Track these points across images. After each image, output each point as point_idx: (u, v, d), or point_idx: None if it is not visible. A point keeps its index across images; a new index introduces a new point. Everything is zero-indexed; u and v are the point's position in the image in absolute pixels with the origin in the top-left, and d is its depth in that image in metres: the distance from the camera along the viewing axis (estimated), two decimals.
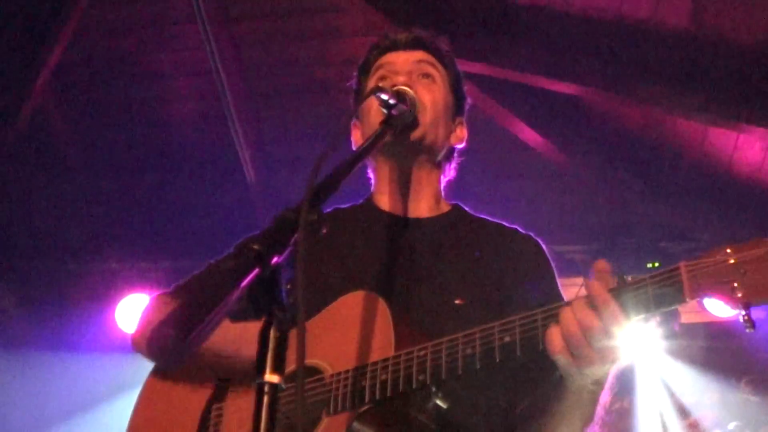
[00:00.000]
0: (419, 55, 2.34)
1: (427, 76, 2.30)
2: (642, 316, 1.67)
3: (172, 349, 1.18)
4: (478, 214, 2.37)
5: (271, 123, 6.55)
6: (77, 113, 6.63)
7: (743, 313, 1.59)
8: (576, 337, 1.68)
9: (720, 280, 1.60)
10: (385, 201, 2.33)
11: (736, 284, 1.59)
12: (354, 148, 2.34)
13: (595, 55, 5.42)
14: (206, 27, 5.65)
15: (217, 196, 6.75)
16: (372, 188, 2.39)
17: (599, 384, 1.83)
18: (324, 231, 1.50)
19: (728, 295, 1.59)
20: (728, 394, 6.49)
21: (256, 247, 1.37)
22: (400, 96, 2.04)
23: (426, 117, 2.20)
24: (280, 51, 6.15)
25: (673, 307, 1.65)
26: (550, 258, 2.28)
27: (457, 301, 2.10)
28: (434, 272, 2.17)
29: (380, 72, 2.31)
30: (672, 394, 6.65)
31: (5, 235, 6.77)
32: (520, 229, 2.32)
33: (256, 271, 1.35)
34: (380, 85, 2.15)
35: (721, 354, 6.47)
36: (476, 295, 2.13)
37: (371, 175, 2.40)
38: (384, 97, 2.00)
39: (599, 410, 1.91)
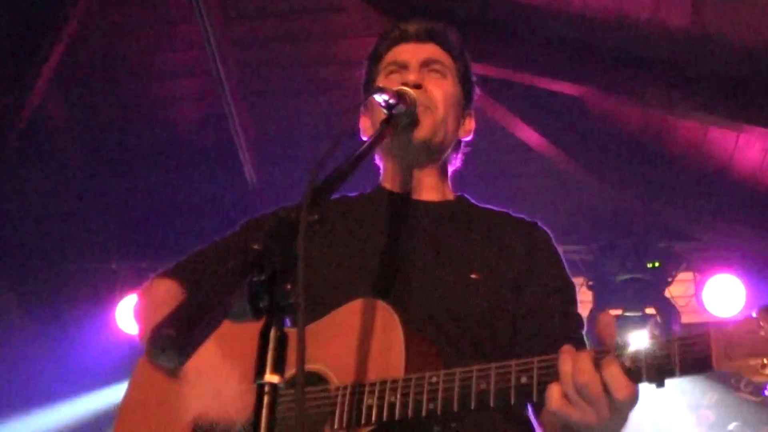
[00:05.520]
0: (430, 48, 2.34)
1: (437, 71, 2.31)
2: (665, 378, 1.60)
3: (171, 349, 1.17)
4: (483, 205, 2.38)
5: (271, 123, 6.55)
6: (77, 113, 6.63)
7: None
8: (572, 392, 1.61)
9: (750, 353, 1.51)
10: (392, 187, 2.34)
11: (766, 360, 1.50)
12: (363, 137, 2.35)
13: (595, 55, 5.41)
14: (206, 27, 5.65)
15: (218, 196, 6.74)
16: (380, 177, 2.40)
17: None
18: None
19: (757, 373, 1.51)
20: (728, 394, 6.48)
21: (256, 247, 1.37)
22: (400, 96, 2.04)
23: (437, 114, 2.21)
24: (280, 51, 6.15)
25: (698, 374, 1.58)
26: (556, 245, 2.27)
27: (473, 276, 2.09)
28: (448, 248, 2.17)
29: (391, 68, 2.31)
30: (671, 395, 6.65)
31: (5, 234, 6.76)
32: (527, 218, 2.32)
33: (257, 271, 1.34)
34: (382, 85, 2.14)
35: None
36: (492, 271, 2.12)
37: (379, 164, 2.41)
38: (385, 97, 2.01)
39: None
